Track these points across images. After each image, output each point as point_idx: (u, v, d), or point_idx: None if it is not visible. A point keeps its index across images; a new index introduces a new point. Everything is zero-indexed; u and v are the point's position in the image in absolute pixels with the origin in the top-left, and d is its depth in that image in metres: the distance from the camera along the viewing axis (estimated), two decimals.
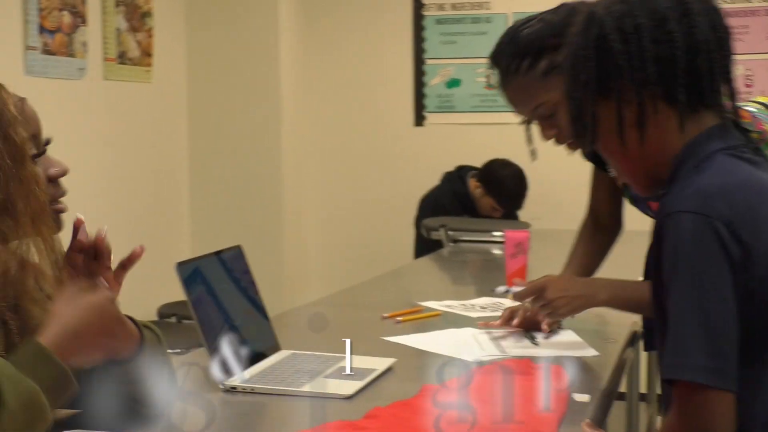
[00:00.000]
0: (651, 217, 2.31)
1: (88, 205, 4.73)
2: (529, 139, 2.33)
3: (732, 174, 1.48)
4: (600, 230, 2.59)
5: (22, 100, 1.56)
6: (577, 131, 1.59)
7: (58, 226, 1.57)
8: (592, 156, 2.48)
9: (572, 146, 2.23)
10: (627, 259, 2.57)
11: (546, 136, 2.26)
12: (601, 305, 2.27)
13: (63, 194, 1.59)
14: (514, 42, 2.21)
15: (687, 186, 1.46)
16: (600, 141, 1.58)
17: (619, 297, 2.24)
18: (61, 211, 1.59)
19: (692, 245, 1.39)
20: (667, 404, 1.47)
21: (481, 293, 3.12)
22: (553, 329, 2.38)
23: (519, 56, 2.19)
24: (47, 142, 1.60)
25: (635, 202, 2.44)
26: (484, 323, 2.52)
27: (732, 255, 1.38)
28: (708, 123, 1.53)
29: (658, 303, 1.48)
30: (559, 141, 2.25)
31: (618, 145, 1.55)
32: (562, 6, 2.22)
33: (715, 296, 1.38)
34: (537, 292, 2.24)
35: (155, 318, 5.12)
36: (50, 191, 1.55)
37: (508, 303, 2.93)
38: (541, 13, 2.24)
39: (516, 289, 2.43)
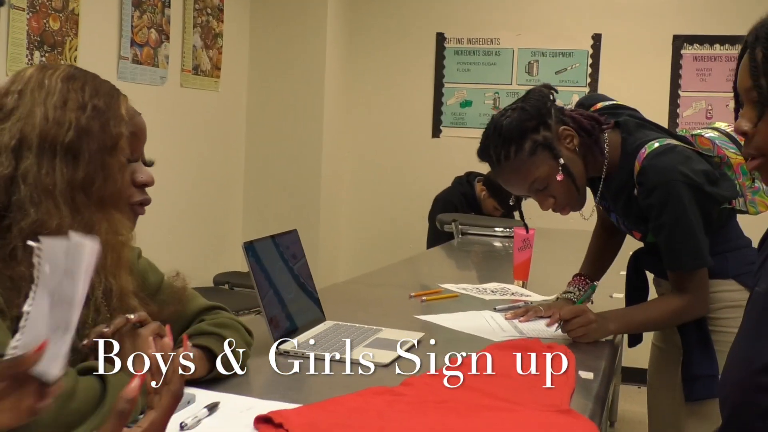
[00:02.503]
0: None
1: (164, 188, 4.64)
2: (522, 217, 2.26)
3: None
4: (608, 233, 2.41)
5: (138, 113, 1.42)
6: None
7: (131, 222, 1.42)
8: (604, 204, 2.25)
9: (566, 211, 2.07)
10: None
11: (545, 207, 2.06)
12: (612, 333, 2.07)
13: (146, 201, 1.44)
14: (497, 133, 2.00)
15: None
16: None
17: (625, 325, 2.06)
18: (139, 213, 1.44)
19: None
20: None
21: (488, 279, 2.98)
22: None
23: (506, 144, 1.99)
24: (150, 163, 1.46)
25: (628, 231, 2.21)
26: (512, 315, 2.29)
27: None
28: None
29: None
30: (557, 209, 2.06)
31: None
32: (531, 92, 2.04)
33: None
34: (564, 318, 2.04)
35: (211, 285, 5.00)
36: (134, 193, 1.41)
37: (515, 289, 2.79)
38: (514, 103, 2.05)
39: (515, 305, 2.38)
